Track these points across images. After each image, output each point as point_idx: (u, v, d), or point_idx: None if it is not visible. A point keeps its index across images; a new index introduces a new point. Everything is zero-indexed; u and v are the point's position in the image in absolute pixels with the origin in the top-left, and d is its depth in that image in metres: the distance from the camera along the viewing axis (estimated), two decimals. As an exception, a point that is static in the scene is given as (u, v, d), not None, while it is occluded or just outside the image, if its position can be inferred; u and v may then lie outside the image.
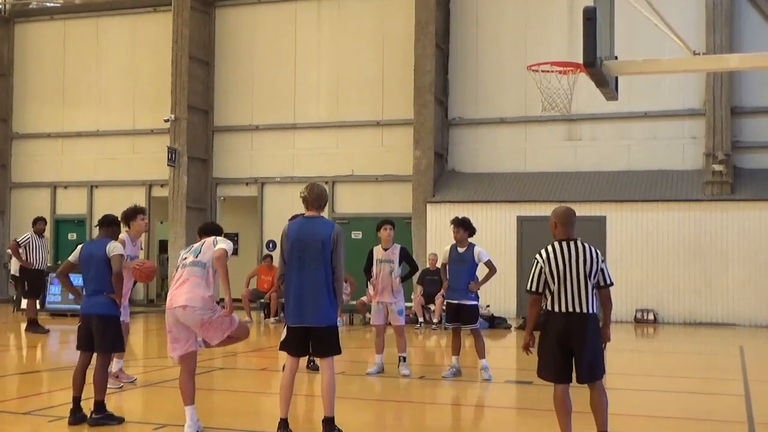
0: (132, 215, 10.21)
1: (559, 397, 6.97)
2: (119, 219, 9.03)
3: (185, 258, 7.87)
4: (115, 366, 10.23)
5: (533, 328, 7.08)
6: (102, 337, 8.19)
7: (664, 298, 20.40)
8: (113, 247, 8.33)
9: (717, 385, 11.58)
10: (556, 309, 6.92)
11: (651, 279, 20.43)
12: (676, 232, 20.34)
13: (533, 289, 7.01)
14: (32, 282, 17.28)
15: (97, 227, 8.81)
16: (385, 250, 11.66)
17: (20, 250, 17.23)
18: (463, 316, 11.36)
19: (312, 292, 7.39)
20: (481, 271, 11.51)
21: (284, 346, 7.66)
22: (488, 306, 19.35)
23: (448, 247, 11.64)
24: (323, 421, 7.42)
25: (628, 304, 20.31)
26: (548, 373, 7.00)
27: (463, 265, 11.40)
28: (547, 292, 6.99)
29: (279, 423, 7.43)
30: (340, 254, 7.44)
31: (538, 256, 7.08)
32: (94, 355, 8.28)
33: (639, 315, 20.23)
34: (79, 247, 8.64)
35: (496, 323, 18.96)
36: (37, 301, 17.73)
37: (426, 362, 14.61)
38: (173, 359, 7.87)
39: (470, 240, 11.53)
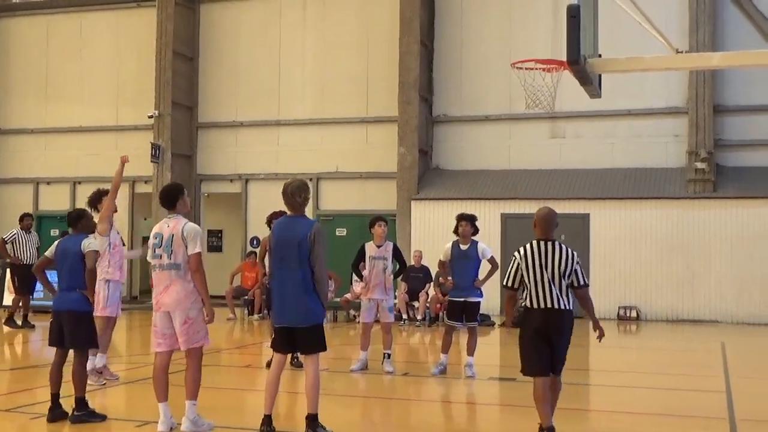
0: (98, 198, 10.54)
1: (542, 390, 7.23)
2: (85, 212, 8.78)
3: (160, 256, 7.62)
4: (99, 362, 10.20)
5: (512, 320, 7.67)
6: (73, 333, 8.14)
7: (647, 295, 20.49)
8: (88, 243, 8.25)
9: (699, 382, 11.65)
10: (535, 305, 7.28)
11: (634, 276, 20.52)
12: (659, 230, 20.44)
13: (509, 284, 7.44)
14: (22, 278, 17.16)
15: (68, 225, 8.67)
16: (379, 247, 11.63)
17: (7, 247, 17.15)
18: (468, 313, 11.36)
19: (293, 293, 7.41)
20: (483, 269, 11.47)
21: (273, 344, 7.77)
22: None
23: (450, 244, 11.55)
24: (307, 417, 7.42)
25: (611, 301, 20.40)
26: (533, 368, 7.26)
27: (467, 261, 11.34)
28: (525, 289, 7.34)
29: (262, 419, 7.43)
30: (318, 253, 7.41)
31: (516, 253, 7.45)
32: (71, 351, 8.24)
33: (622, 312, 20.31)
34: (56, 242, 8.58)
35: (479, 320, 18.99)
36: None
37: (410, 359, 14.62)
38: (156, 352, 7.78)
39: (472, 237, 11.49)
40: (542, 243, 7.39)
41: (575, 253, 7.48)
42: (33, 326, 16.97)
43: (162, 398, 7.62)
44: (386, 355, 11.70)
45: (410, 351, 15.79)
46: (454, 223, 11.57)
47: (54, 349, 8.35)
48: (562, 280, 7.28)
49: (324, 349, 7.59)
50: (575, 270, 7.35)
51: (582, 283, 7.40)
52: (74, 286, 8.21)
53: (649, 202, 20.54)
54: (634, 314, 20.25)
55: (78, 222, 8.54)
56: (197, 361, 7.67)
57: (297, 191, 7.61)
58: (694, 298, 20.15)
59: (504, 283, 7.49)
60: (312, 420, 7.41)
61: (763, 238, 19.78)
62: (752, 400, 10.11)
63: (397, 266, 11.81)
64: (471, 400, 10.34)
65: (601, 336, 7.52)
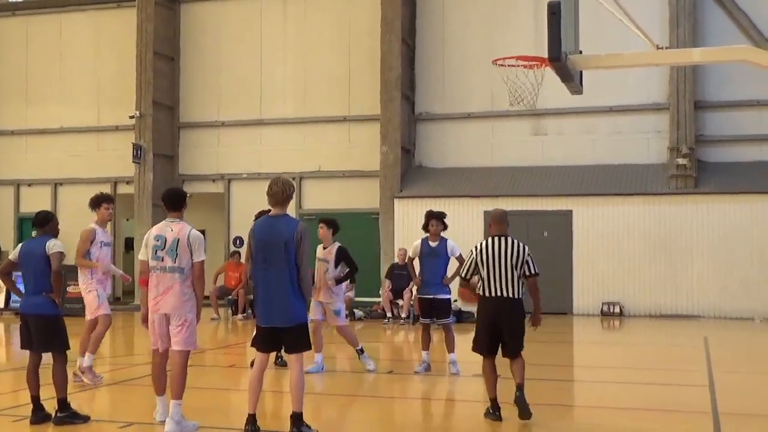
0: (97, 203, 10.76)
1: (488, 367, 8.31)
2: (54, 215, 8.63)
3: (162, 258, 7.68)
4: (86, 362, 10.14)
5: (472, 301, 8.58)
6: (39, 336, 8.05)
7: (630, 290, 20.56)
8: (52, 245, 8.09)
9: (682, 376, 11.71)
10: (488, 294, 8.21)
11: (617, 272, 20.58)
12: (641, 226, 20.52)
13: (463, 275, 8.46)
14: None
15: (33, 226, 8.55)
16: (324, 248, 11.51)
17: None
18: (438, 310, 11.36)
19: (279, 293, 7.38)
20: (451, 266, 11.46)
21: (255, 343, 7.72)
22: (456, 300, 19.36)
23: (419, 241, 11.57)
24: (291, 416, 7.41)
25: (594, 297, 20.46)
26: (480, 348, 8.35)
27: (436, 259, 11.36)
28: (480, 280, 8.23)
29: (247, 419, 7.41)
30: (303, 253, 7.40)
31: (473, 248, 8.37)
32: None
33: (605, 308, 20.36)
34: (19, 245, 8.44)
35: (463, 317, 19.00)
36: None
37: (394, 357, 14.63)
38: (155, 350, 7.87)
39: (442, 234, 11.51)
40: (497, 239, 8.31)
41: (526, 246, 8.36)
42: None
43: (160, 392, 7.88)
44: (358, 351, 11.58)
45: (395, 349, 15.80)
46: (423, 220, 11.59)
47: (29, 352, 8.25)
48: (514, 271, 8.18)
49: (309, 348, 7.62)
50: (527, 261, 8.25)
51: (533, 272, 8.28)
52: (40, 289, 8.05)
53: (632, 198, 20.62)
54: (617, 310, 20.32)
55: (46, 224, 8.35)
56: (185, 362, 7.72)
57: (287, 184, 7.59)
58: (677, 294, 20.23)
59: (461, 274, 8.49)
60: (297, 418, 7.39)
61: (744, 233, 19.90)
62: (735, 394, 10.16)
63: (347, 269, 11.44)
64: (454, 397, 10.35)
65: (535, 325, 8.40)
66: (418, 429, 8.37)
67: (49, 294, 8.04)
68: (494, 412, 8.19)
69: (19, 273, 8.37)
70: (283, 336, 7.51)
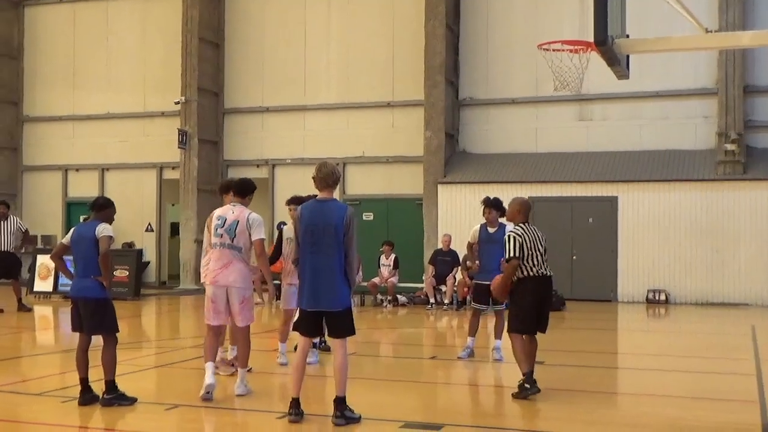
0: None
1: (529, 344, 8.82)
2: (112, 203, 8.71)
3: (221, 235, 8.49)
4: (230, 354, 10.14)
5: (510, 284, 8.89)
6: (89, 319, 8.18)
7: (676, 278, 20.34)
8: (102, 229, 8.21)
9: (728, 365, 11.55)
10: (532, 273, 8.76)
11: (662, 259, 20.36)
12: (687, 212, 20.26)
13: (516, 255, 8.73)
14: (1, 264, 17.40)
15: (89, 210, 8.67)
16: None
17: None
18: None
19: (326, 277, 7.40)
20: None
21: (297, 327, 7.74)
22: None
23: (477, 226, 11.48)
24: (335, 400, 7.44)
25: (639, 284, 20.28)
26: (526, 327, 8.77)
27: (494, 245, 11.23)
28: (520, 262, 8.71)
29: (290, 403, 7.45)
30: (352, 238, 7.44)
31: (513, 233, 8.84)
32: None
33: (651, 295, 20.16)
34: (72, 229, 8.58)
35: (505, 304, 18.95)
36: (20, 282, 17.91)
37: (437, 343, 14.64)
38: (210, 325, 8.59)
39: (500, 220, 11.42)
40: (527, 225, 8.95)
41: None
42: (30, 309, 17.15)
43: (210, 358, 8.47)
44: (316, 344, 11.05)
45: (437, 335, 15.80)
46: (481, 206, 11.50)
47: (79, 334, 8.39)
48: (545, 253, 8.90)
49: (353, 332, 7.62)
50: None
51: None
52: (89, 272, 8.18)
53: (678, 185, 20.35)
54: (663, 297, 20.11)
55: (103, 209, 8.47)
56: (248, 335, 8.72)
57: (334, 171, 7.61)
58: (724, 281, 19.98)
59: (511, 255, 8.72)
60: (340, 402, 7.42)
61: (794, 219, 19.56)
62: (783, 382, 10.01)
63: None
64: (498, 384, 10.32)
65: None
66: (463, 414, 8.36)
67: (97, 277, 8.16)
68: (533, 385, 8.52)
69: (70, 257, 8.49)
70: (328, 320, 7.54)
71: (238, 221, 8.49)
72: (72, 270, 8.49)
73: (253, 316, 8.76)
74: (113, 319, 8.30)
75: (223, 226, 8.51)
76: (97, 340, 8.30)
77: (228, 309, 8.59)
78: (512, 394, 8.63)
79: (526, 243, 8.75)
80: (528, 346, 8.79)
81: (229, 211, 8.65)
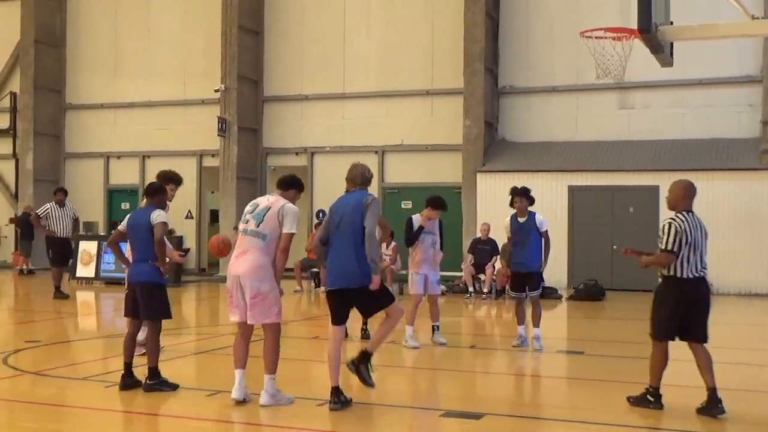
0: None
1: (665, 353, 7.57)
2: (164, 188, 8.87)
3: (248, 221, 7.72)
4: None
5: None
6: (146, 304, 8.29)
7: (719, 268, 19.94)
8: (157, 215, 8.35)
9: (773, 357, 11.40)
10: (689, 275, 7.44)
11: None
12: (731, 202, 19.98)
13: (673, 249, 7.41)
14: (56, 250, 17.53)
15: (143, 196, 8.87)
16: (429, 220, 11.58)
17: (42, 221, 17.49)
18: (530, 283, 11.27)
19: (346, 256, 7.51)
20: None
21: (331, 316, 7.79)
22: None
23: (508, 219, 11.48)
24: (361, 351, 7.61)
25: (681, 274, 20.02)
26: (671, 332, 7.54)
27: (526, 235, 11.27)
28: (675, 258, 7.39)
29: (331, 391, 7.47)
30: (370, 216, 7.48)
31: (672, 221, 7.50)
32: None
33: (693, 285, 19.89)
34: (127, 216, 8.73)
35: (546, 293, 18.83)
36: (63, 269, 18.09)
37: (476, 332, 14.61)
38: (235, 322, 7.81)
39: (529, 209, 11.40)
40: (691, 214, 7.56)
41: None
42: (67, 296, 17.30)
43: (239, 365, 7.67)
44: (435, 327, 11.76)
45: (476, 324, 15.76)
46: (509, 197, 11.51)
47: (127, 320, 8.51)
48: (705, 252, 7.50)
49: (385, 305, 7.62)
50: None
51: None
52: (145, 257, 8.34)
53: (722, 174, 20.05)
54: (705, 288, 19.81)
55: (155, 195, 8.63)
56: (274, 336, 7.67)
57: (362, 173, 7.83)
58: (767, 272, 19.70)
59: (669, 249, 7.44)
60: (365, 356, 7.61)
61: (840, 210, 19.22)
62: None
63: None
64: (538, 373, 10.27)
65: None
66: (503, 403, 8.32)
67: (154, 262, 8.31)
68: (657, 400, 7.67)
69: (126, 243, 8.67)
70: (355, 302, 7.62)
71: (270, 207, 7.67)
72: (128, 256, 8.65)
73: (272, 315, 7.59)
74: (167, 305, 8.44)
75: (252, 212, 7.73)
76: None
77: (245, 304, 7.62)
78: (628, 398, 7.84)
79: (687, 237, 7.42)
80: (666, 354, 7.66)
81: (265, 199, 7.90)
